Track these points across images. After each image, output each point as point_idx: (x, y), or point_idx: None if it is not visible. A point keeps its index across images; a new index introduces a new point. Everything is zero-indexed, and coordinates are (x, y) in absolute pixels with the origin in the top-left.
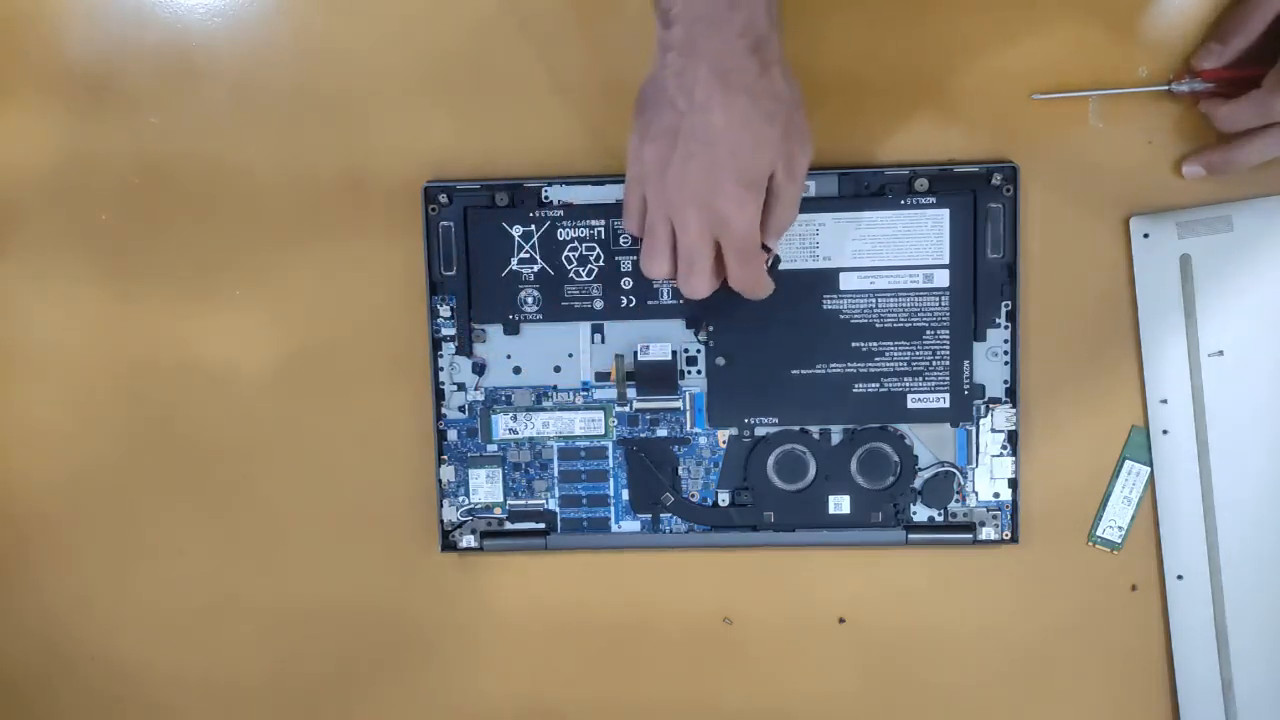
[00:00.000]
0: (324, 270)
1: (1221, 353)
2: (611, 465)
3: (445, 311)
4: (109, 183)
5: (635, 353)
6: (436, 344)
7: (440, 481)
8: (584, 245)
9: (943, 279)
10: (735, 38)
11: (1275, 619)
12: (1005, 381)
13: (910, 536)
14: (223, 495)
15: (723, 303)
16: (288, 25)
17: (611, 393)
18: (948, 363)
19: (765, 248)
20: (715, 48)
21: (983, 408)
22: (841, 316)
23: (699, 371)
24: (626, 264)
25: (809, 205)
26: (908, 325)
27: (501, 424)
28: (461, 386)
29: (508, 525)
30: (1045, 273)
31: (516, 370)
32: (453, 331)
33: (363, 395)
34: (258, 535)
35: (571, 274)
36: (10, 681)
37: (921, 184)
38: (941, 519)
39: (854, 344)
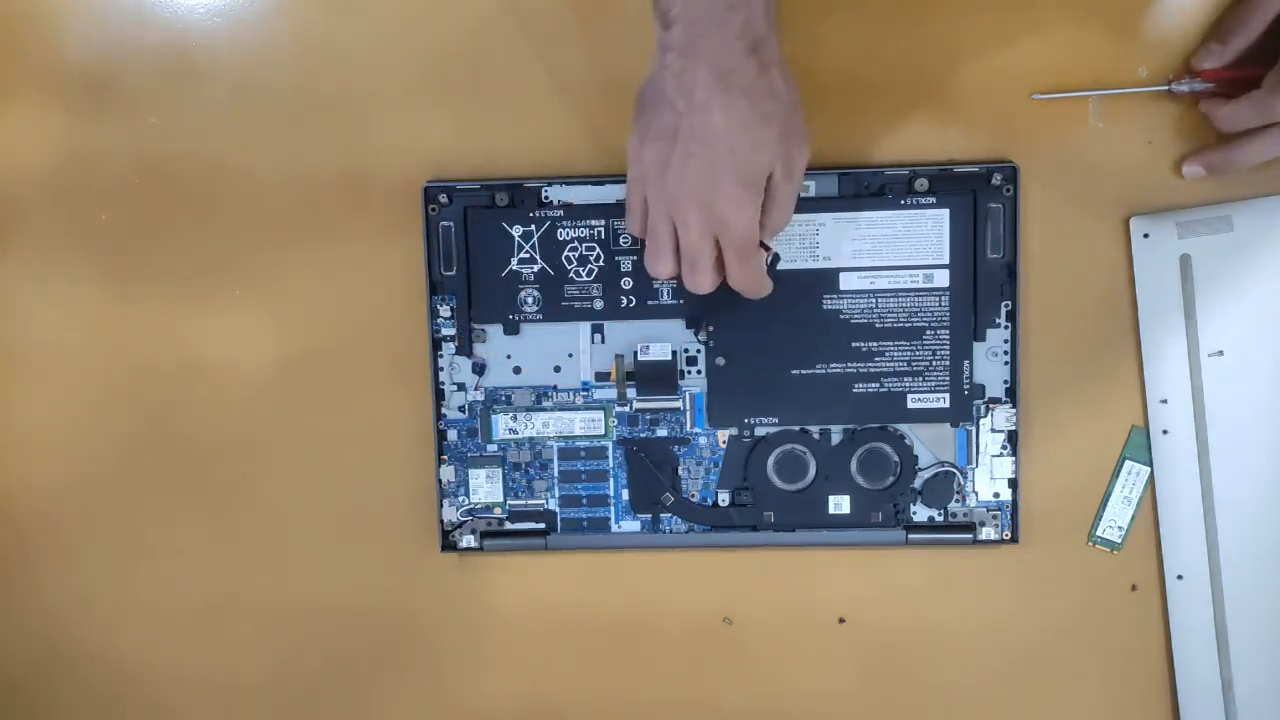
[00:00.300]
0: (324, 270)
1: (1221, 353)
2: (611, 465)
3: (445, 311)
4: (109, 183)
5: (635, 353)
6: (436, 344)
7: (440, 481)
8: (584, 245)
9: (943, 279)
10: (734, 39)
11: (1275, 619)
12: (1005, 381)
13: (910, 536)
14: (223, 495)
15: (723, 303)
16: (288, 25)
17: (611, 393)
18: (948, 363)
19: (764, 246)
20: (714, 49)
21: (983, 408)
22: (841, 316)
23: (699, 371)
24: (626, 264)
25: (809, 205)
26: (908, 325)
27: (501, 424)
28: (461, 386)
29: (508, 525)
30: (1045, 273)
31: (516, 370)
32: (453, 331)
33: (363, 395)
34: (258, 535)
35: (571, 274)
36: (10, 681)
37: (921, 184)
38: (941, 519)
39: (854, 344)
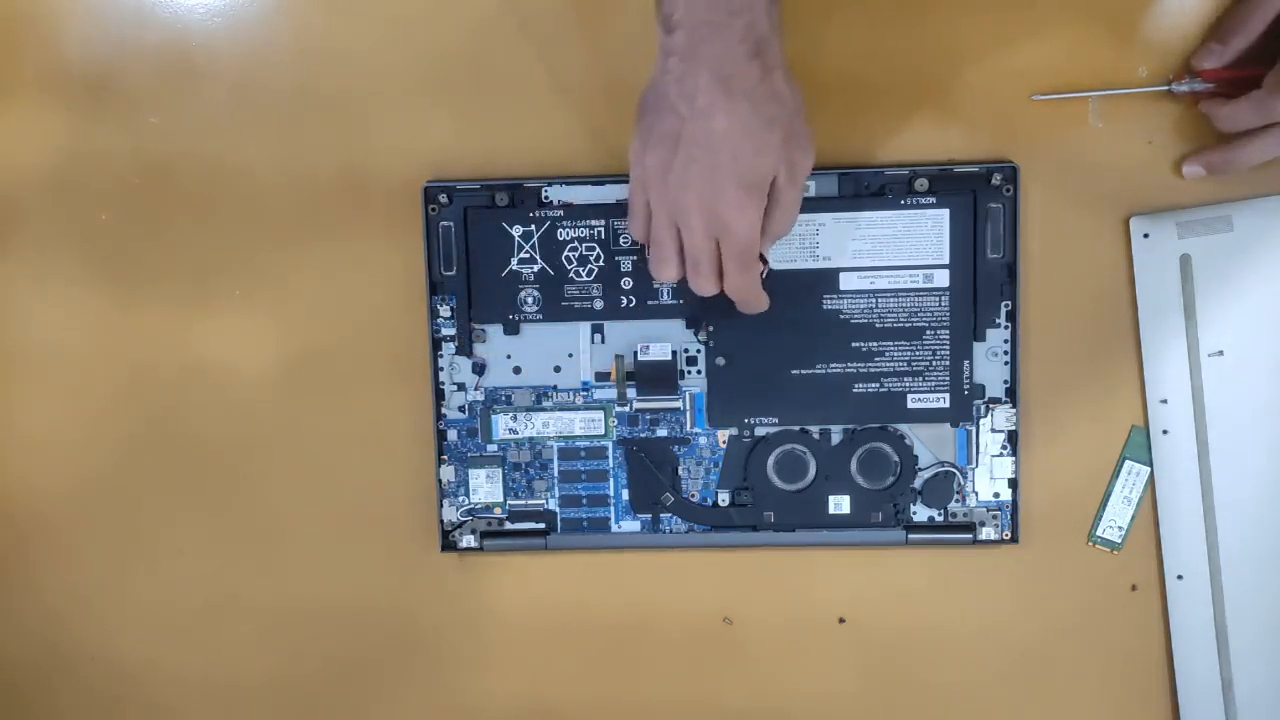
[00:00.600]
0: (324, 270)
1: (1221, 353)
2: (611, 465)
3: (445, 311)
4: (109, 183)
5: (635, 353)
6: (436, 344)
7: (440, 481)
8: (584, 245)
9: (943, 279)
10: (736, 43)
11: (1275, 619)
12: (1005, 381)
13: (910, 536)
14: (223, 495)
15: (723, 303)
16: (288, 25)
17: (611, 393)
18: (948, 363)
19: (762, 259)
20: (717, 53)
21: (983, 408)
22: (841, 316)
23: (699, 371)
24: (626, 264)
25: (809, 205)
26: (908, 325)
27: (501, 424)
28: (461, 386)
29: (508, 525)
30: (1045, 273)
31: (516, 370)
32: (453, 331)
33: (363, 395)
34: (258, 535)
35: (571, 274)
36: (10, 681)
37: (921, 184)
38: (941, 519)
39: (854, 344)
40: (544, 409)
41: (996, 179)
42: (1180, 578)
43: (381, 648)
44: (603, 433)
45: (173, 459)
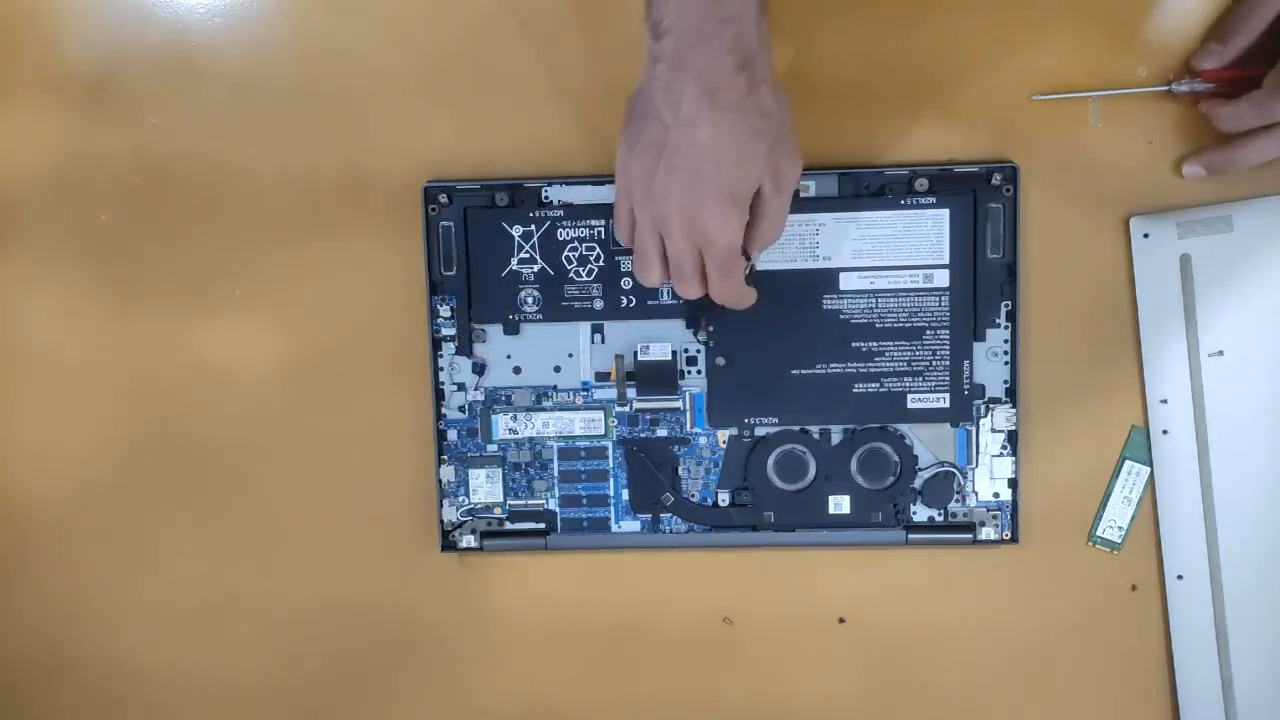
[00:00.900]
0: (324, 270)
1: (1221, 353)
2: (611, 465)
3: (445, 311)
4: (109, 183)
5: (635, 353)
6: (436, 344)
7: (440, 481)
8: (584, 245)
9: (943, 279)
10: (724, 54)
11: (1275, 619)
12: (1005, 381)
13: (910, 536)
14: (223, 495)
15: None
16: (288, 25)
17: (611, 393)
18: (948, 363)
19: (745, 256)
20: (705, 63)
21: (983, 408)
22: (841, 316)
23: (699, 371)
24: (626, 264)
25: (809, 205)
26: (908, 325)
27: (501, 424)
28: (461, 386)
29: (508, 525)
30: (1045, 273)
31: (516, 370)
32: (453, 331)
33: (363, 395)
34: (258, 535)
35: (571, 274)
36: (10, 681)
37: (921, 184)
38: (941, 519)
39: (854, 344)
40: (544, 409)
41: (996, 179)
42: (1180, 578)
43: (381, 648)
44: (603, 433)
45: (173, 459)
